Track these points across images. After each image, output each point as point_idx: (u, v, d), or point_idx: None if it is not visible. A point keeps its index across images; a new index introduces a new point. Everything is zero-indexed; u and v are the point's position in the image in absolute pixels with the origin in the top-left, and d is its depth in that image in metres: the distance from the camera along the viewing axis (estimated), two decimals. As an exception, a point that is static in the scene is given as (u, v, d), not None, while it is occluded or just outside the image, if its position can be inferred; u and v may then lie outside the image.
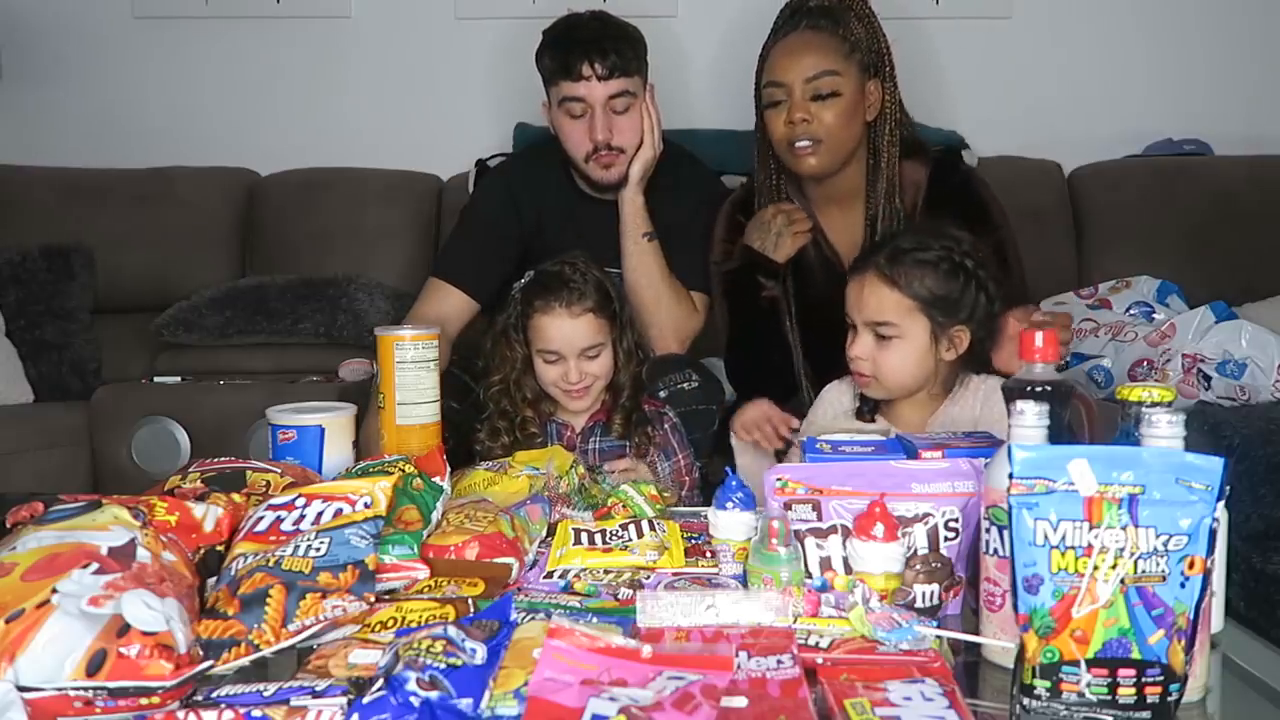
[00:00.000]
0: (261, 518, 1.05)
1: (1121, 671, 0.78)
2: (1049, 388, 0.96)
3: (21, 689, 0.77)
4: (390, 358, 1.41)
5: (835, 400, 1.51)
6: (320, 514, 1.05)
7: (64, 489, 1.37)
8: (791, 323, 1.76)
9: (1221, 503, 0.79)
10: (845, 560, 1.02)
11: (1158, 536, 0.78)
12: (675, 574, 1.11)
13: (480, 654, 0.83)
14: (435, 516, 1.14)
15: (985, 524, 0.94)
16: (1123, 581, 0.78)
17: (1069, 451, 0.80)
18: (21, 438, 2.15)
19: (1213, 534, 0.78)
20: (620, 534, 1.19)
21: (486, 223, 1.95)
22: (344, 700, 0.77)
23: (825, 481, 1.03)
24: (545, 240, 1.90)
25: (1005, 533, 0.85)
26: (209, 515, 1.04)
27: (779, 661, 0.85)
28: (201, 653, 0.84)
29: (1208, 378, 2.01)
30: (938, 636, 0.91)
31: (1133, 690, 0.78)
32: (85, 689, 0.77)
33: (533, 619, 0.95)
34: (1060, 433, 0.93)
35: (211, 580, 1.00)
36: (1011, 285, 1.41)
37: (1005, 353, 1.40)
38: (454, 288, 1.89)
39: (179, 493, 1.14)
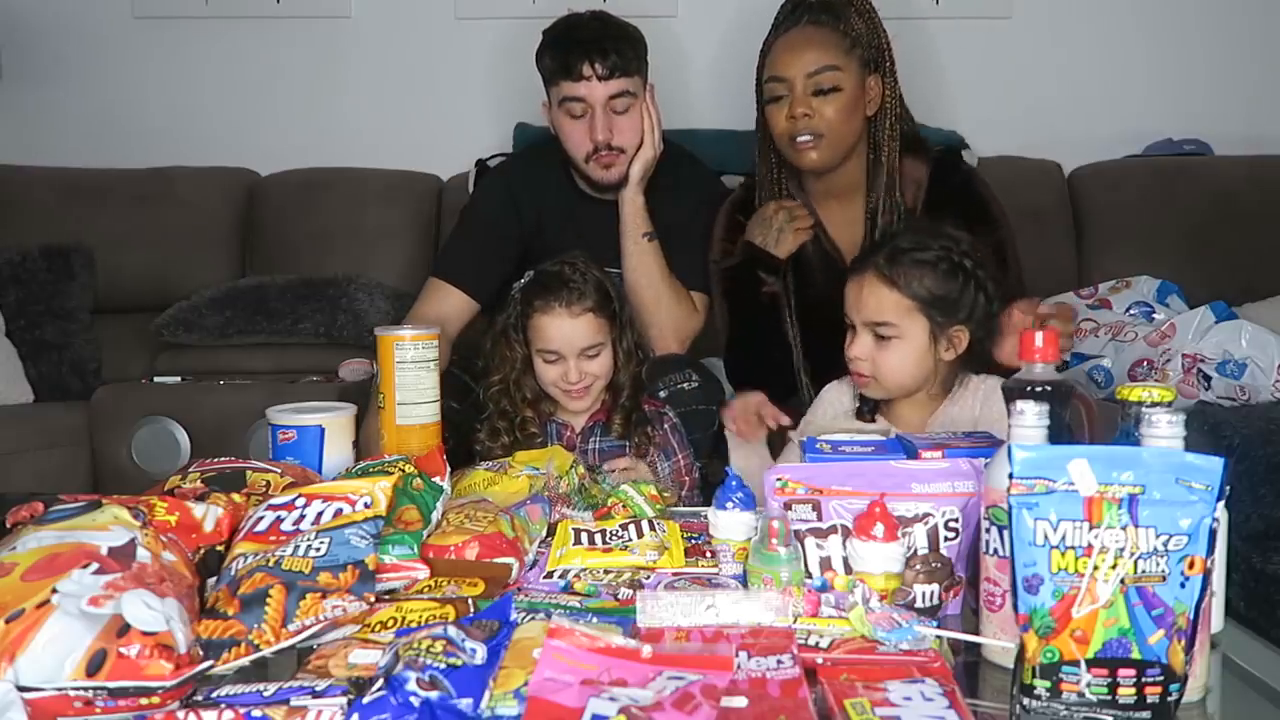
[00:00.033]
0: (261, 518, 1.05)
1: (1121, 671, 0.78)
2: (1049, 388, 0.96)
3: (21, 689, 0.77)
4: (390, 358, 1.41)
5: (835, 400, 1.51)
6: (320, 514, 1.05)
7: (64, 489, 1.37)
8: (791, 319, 1.76)
9: (1221, 503, 0.79)
10: (845, 560, 1.02)
11: (1158, 536, 0.78)
12: (675, 574, 1.11)
13: (480, 654, 0.83)
14: (435, 516, 1.14)
15: (985, 524, 0.94)
16: (1123, 581, 0.78)
17: (1069, 451, 0.80)
18: (21, 438, 2.15)
19: (1213, 534, 0.78)
20: (620, 534, 1.19)
21: (486, 223, 1.95)
22: (344, 700, 0.77)
23: (825, 481, 1.03)
24: (545, 240, 1.90)
25: (1005, 533, 0.85)
26: (209, 515, 1.04)
27: (779, 661, 0.85)
28: (201, 653, 0.84)
29: (1208, 378, 2.01)
30: (938, 636, 0.91)
31: (1133, 690, 0.78)
32: (85, 689, 0.77)
33: (533, 619, 0.95)
34: (1060, 433, 0.93)
35: (211, 580, 1.00)
36: (1010, 285, 1.41)
37: (1008, 346, 1.40)
38: (454, 288, 1.89)
39: (179, 493, 1.14)
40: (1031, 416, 0.90)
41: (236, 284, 2.50)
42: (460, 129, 2.77)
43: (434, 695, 0.75)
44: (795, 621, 0.94)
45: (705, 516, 1.17)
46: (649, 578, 1.11)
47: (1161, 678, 0.78)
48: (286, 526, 1.03)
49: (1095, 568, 0.78)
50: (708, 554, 1.15)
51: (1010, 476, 0.80)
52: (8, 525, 0.99)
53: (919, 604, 0.99)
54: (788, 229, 1.73)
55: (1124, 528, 0.78)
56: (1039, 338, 0.98)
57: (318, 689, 0.79)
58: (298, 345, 2.39)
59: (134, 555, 0.89)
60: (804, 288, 1.76)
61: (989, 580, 0.94)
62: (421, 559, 1.07)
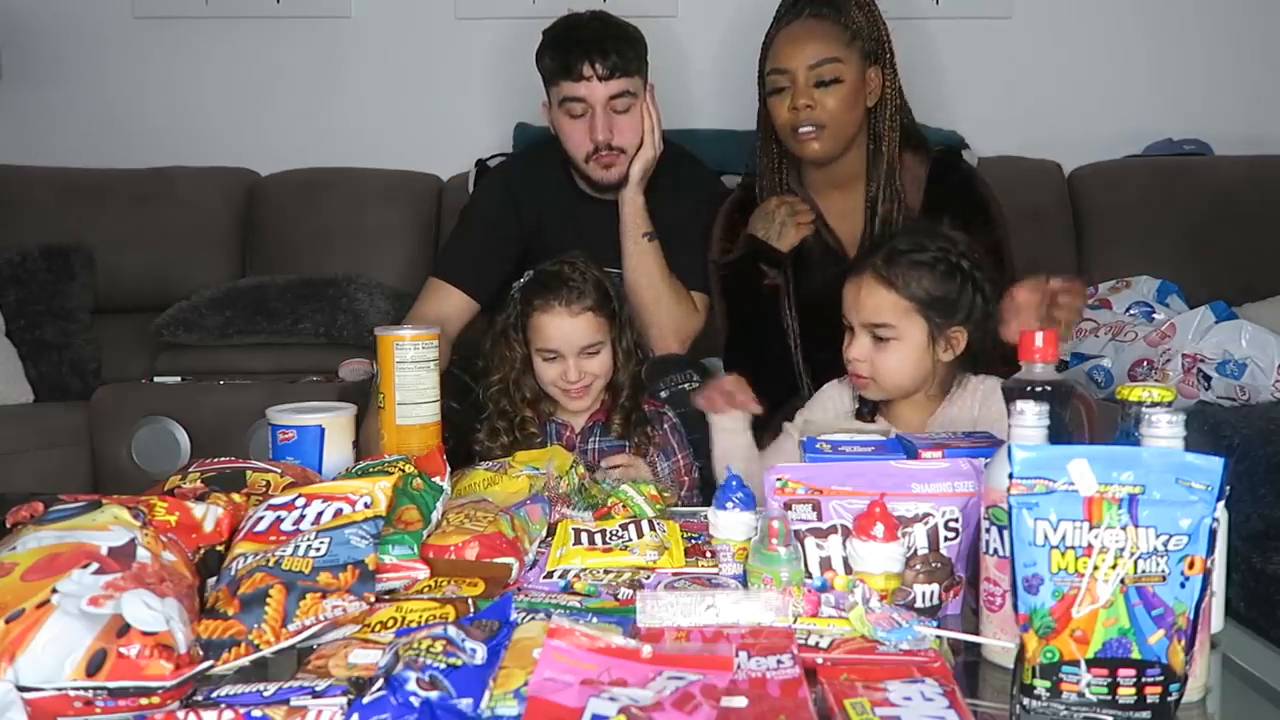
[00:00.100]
0: (261, 518, 1.05)
1: (1121, 671, 0.78)
2: (1049, 388, 0.96)
3: (21, 689, 0.77)
4: (390, 358, 1.41)
5: (834, 400, 1.51)
6: (320, 514, 1.05)
7: (64, 489, 1.37)
8: (791, 312, 1.77)
9: (1221, 503, 0.79)
10: (845, 560, 1.02)
11: (1158, 536, 0.78)
12: (675, 574, 1.11)
13: (480, 654, 0.83)
14: (435, 516, 1.14)
15: (985, 524, 0.94)
16: (1123, 581, 0.78)
17: (1069, 451, 0.80)
18: (21, 438, 2.15)
19: (1213, 534, 0.78)
20: (620, 534, 1.19)
21: (486, 223, 1.95)
22: (344, 700, 0.77)
23: (825, 481, 1.03)
24: (545, 240, 1.90)
25: (1005, 533, 0.85)
26: (209, 515, 1.04)
27: (779, 661, 0.85)
28: (201, 653, 0.84)
29: (1208, 378, 2.01)
30: (938, 636, 0.91)
31: (1133, 690, 0.78)
32: (85, 689, 0.77)
33: (533, 619, 0.95)
34: (1060, 433, 0.93)
35: (211, 580, 1.00)
36: (1006, 286, 1.41)
37: (1014, 326, 1.39)
38: (454, 288, 1.89)
39: (179, 493, 1.14)
40: (1031, 416, 0.90)
41: (236, 284, 2.50)
42: (460, 129, 2.77)
43: (434, 695, 0.75)
44: (795, 621, 0.94)
45: (705, 516, 1.17)
46: (649, 578, 1.10)
47: (1161, 678, 0.78)
48: (286, 526, 1.03)
49: (1095, 568, 0.78)
50: (708, 554, 1.15)
51: (1010, 476, 0.80)
52: (8, 525, 0.99)
53: (919, 604, 0.99)
54: (790, 223, 1.74)
55: (1124, 528, 0.78)
56: (1039, 338, 0.98)
57: (318, 689, 0.79)
58: (298, 345, 2.39)
59: (134, 555, 0.89)
60: (804, 280, 1.77)
61: (989, 580, 0.94)
62: (421, 559, 1.07)
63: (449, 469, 1.24)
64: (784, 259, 1.74)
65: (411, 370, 1.41)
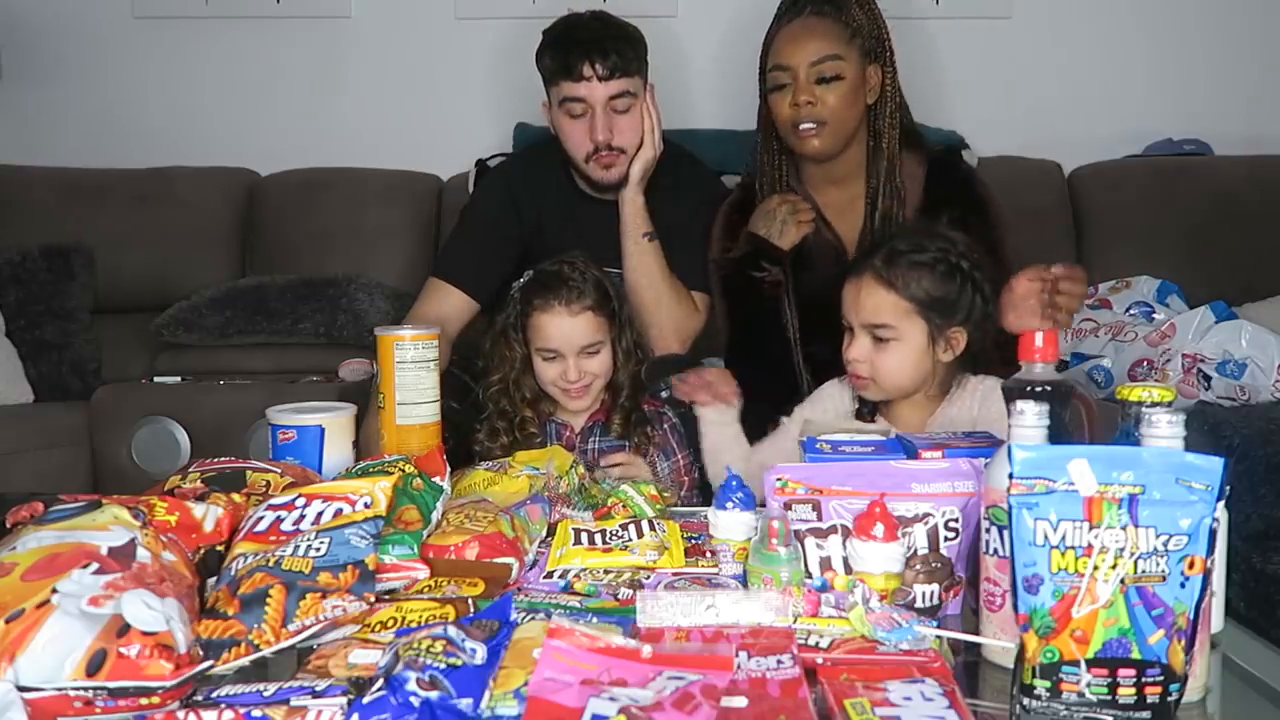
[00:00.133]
0: (261, 518, 1.05)
1: (1121, 671, 0.78)
2: (1049, 388, 0.96)
3: (21, 689, 0.77)
4: (390, 358, 1.41)
5: (834, 400, 1.51)
6: (320, 514, 1.05)
7: (64, 489, 1.37)
8: (791, 309, 1.77)
9: (1221, 503, 0.79)
10: (845, 560, 1.02)
11: (1158, 536, 0.78)
12: (675, 574, 1.11)
13: (480, 654, 0.83)
14: (435, 516, 1.14)
15: (985, 524, 0.94)
16: (1123, 581, 0.78)
17: (1069, 451, 0.80)
18: (21, 438, 2.15)
19: (1213, 534, 0.78)
20: (620, 534, 1.19)
21: (486, 223, 1.94)
22: (344, 700, 0.77)
23: (825, 481, 1.03)
24: (545, 240, 1.89)
25: (1005, 533, 0.85)
26: (209, 515, 1.04)
27: (779, 661, 0.85)
28: (201, 653, 0.84)
29: (1208, 378, 2.01)
30: (938, 636, 0.91)
31: (1133, 690, 0.78)
32: (85, 689, 0.77)
33: (533, 619, 0.95)
34: (1060, 433, 0.93)
35: (211, 580, 1.00)
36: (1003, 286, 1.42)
37: (1014, 314, 1.40)
38: (454, 288, 1.89)
39: (179, 493, 1.14)
40: (1031, 416, 0.90)
41: (236, 284, 2.50)
42: (460, 129, 2.77)
43: (434, 695, 0.75)
44: (795, 621, 0.94)
45: (705, 516, 1.17)
46: (649, 578, 1.10)
47: (1161, 678, 0.78)
48: (286, 526, 1.03)
49: (1095, 568, 0.78)
50: (708, 554, 1.15)
51: (1010, 476, 0.80)
52: (8, 525, 0.99)
53: (919, 604, 0.99)
54: (791, 221, 1.75)
55: (1124, 528, 0.78)
56: (1039, 338, 0.98)
57: (318, 689, 0.79)
58: (298, 345, 2.39)
59: (134, 555, 0.89)
60: (803, 277, 1.77)
61: (989, 580, 0.94)
62: (421, 559, 1.07)
63: (449, 469, 1.24)
64: (785, 257, 1.75)
65: (411, 370, 1.41)
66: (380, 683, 0.76)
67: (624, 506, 1.29)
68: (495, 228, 1.93)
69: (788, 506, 1.03)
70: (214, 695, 0.80)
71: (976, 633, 0.95)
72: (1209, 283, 2.37)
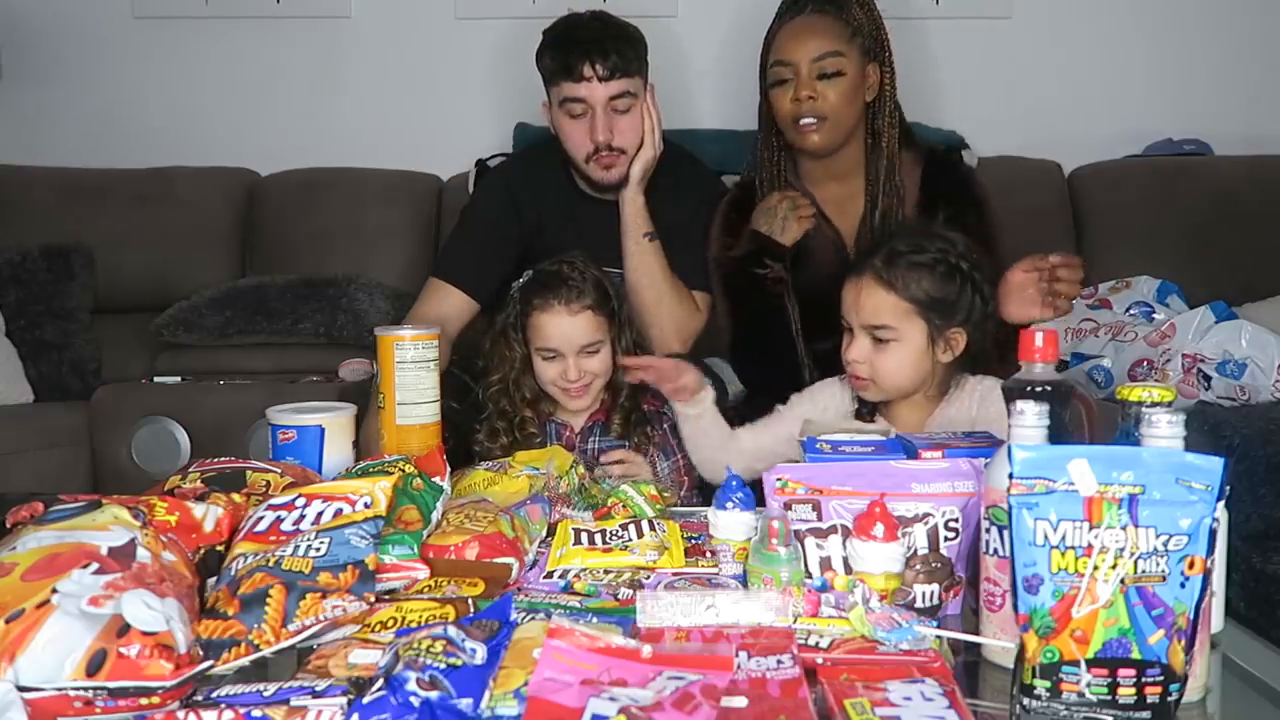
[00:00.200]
0: (261, 518, 1.05)
1: (1121, 671, 0.78)
2: (1049, 388, 0.96)
3: (21, 689, 0.77)
4: (390, 358, 1.41)
5: (834, 400, 1.50)
6: (320, 514, 1.05)
7: (64, 489, 1.37)
8: (792, 306, 1.77)
9: (1221, 503, 0.79)
10: (845, 560, 1.02)
11: (1158, 536, 0.78)
12: (675, 574, 1.11)
13: (480, 654, 0.83)
14: (435, 516, 1.14)
15: (985, 524, 0.94)
16: (1123, 581, 0.78)
17: (1069, 451, 0.80)
18: (21, 438, 2.15)
19: (1213, 534, 0.78)
20: (620, 534, 1.19)
21: (486, 223, 1.94)
22: (344, 700, 0.77)
23: (825, 481, 1.03)
24: (545, 240, 1.89)
25: (1005, 533, 0.85)
26: (209, 515, 1.04)
27: (779, 661, 0.85)
28: (201, 653, 0.84)
29: (1208, 378, 2.01)
30: (938, 636, 0.91)
31: (1133, 690, 0.78)
32: (85, 689, 0.77)
33: (533, 619, 0.95)
34: (1060, 433, 0.93)
35: (211, 580, 1.00)
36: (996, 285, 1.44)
37: (1013, 303, 1.43)
38: (454, 288, 1.89)
39: (179, 493, 1.14)
40: (1031, 416, 0.90)
41: (236, 284, 2.50)
42: (460, 129, 2.77)
43: (434, 695, 0.75)
44: (795, 621, 0.94)
45: (705, 516, 1.17)
46: (649, 578, 1.11)
47: (1161, 678, 0.78)
48: (286, 526, 1.03)
49: (1095, 568, 0.78)
50: (708, 554, 1.15)
51: (1010, 476, 0.80)
52: (8, 525, 0.99)
53: (919, 604, 0.99)
54: (792, 217, 1.75)
55: (1124, 528, 0.78)
56: (1039, 338, 0.98)
57: (318, 689, 0.79)
58: (298, 345, 2.39)
59: (134, 555, 0.89)
60: (804, 272, 1.78)
61: (989, 580, 0.94)
62: (421, 559, 1.07)
63: (449, 469, 1.24)
64: (788, 254, 1.75)
65: (411, 370, 1.41)
66: (380, 683, 0.76)
67: (624, 506, 1.29)
68: (495, 228, 1.93)
69: (788, 506, 1.03)
70: (214, 695, 0.80)
71: (976, 633, 0.95)
72: (1209, 283, 2.37)
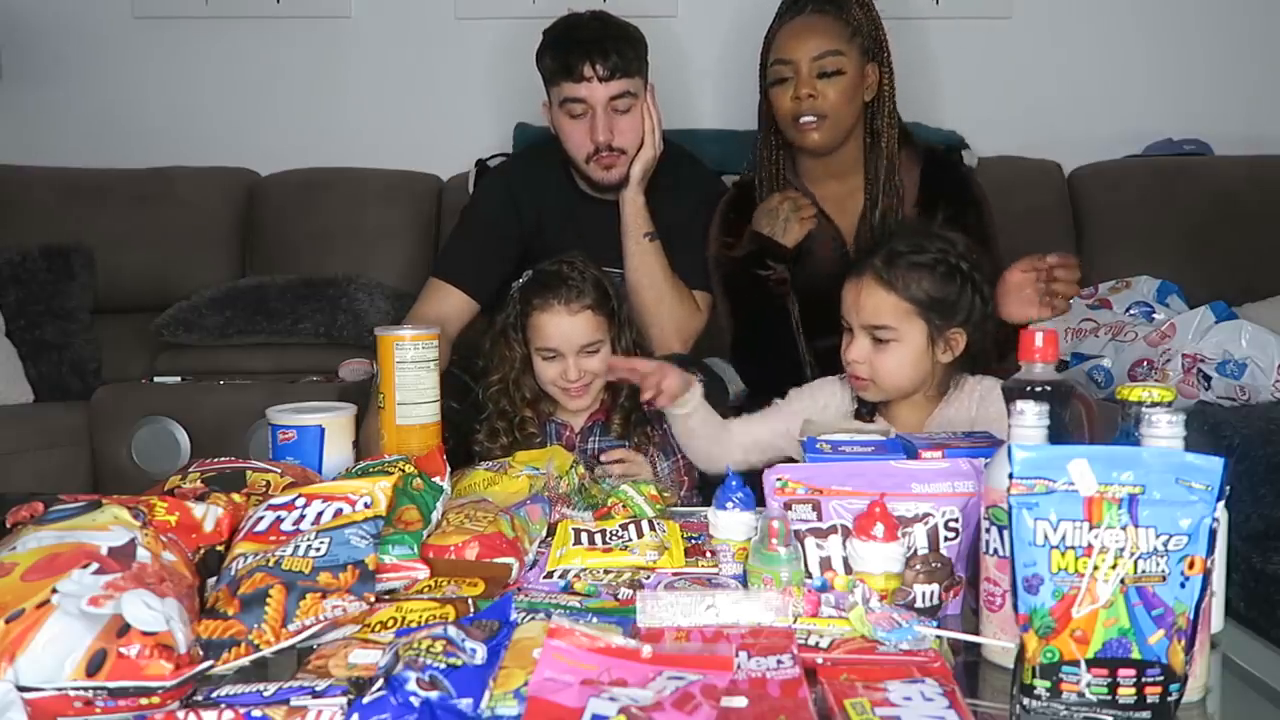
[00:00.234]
0: (261, 518, 1.05)
1: (1121, 671, 0.78)
2: (1049, 388, 0.96)
3: (21, 689, 0.77)
4: (390, 358, 1.41)
5: (833, 400, 1.50)
6: (320, 514, 1.05)
7: (64, 489, 1.37)
8: (793, 305, 1.78)
9: (1221, 503, 0.79)
10: (845, 560, 1.02)
11: (1158, 536, 0.78)
12: (675, 574, 1.11)
13: (480, 654, 0.83)
14: (435, 516, 1.15)
15: (985, 524, 0.94)
16: (1123, 581, 0.78)
17: (1069, 451, 0.80)
18: (21, 438, 2.15)
19: (1213, 534, 0.78)
20: (620, 534, 1.19)
21: (486, 223, 1.94)
22: (344, 700, 0.77)
23: (825, 481, 1.03)
24: (545, 240, 1.89)
25: (1005, 533, 0.85)
26: (209, 515, 1.04)
27: (779, 661, 0.85)
28: (201, 653, 0.84)
29: (1208, 378, 2.01)
30: (938, 636, 0.91)
31: (1133, 690, 0.78)
32: (85, 689, 0.77)
33: (533, 619, 0.95)
34: (1060, 433, 0.93)
35: (211, 580, 1.00)
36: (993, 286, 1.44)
37: (1011, 303, 1.44)
38: (454, 288, 1.89)
39: (179, 493, 1.14)
40: (1031, 416, 0.90)
41: (236, 284, 2.50)
42: (460, 129, 2.77)
43: (434, 695, 0.75)
44: (795, 621, 0.94)
45: (705, 516, 1.17)
46: (649, 578, 1.11)
47: (1161, 678, 0.78)
48: (286, 526, 1.03)
49: (1095, 568, 0.78)
50: (708, 554, 1.15)
51: (1010, 476, 0.80)
52: (8, 525, 0.99)
53: (919, 604, 0.99)
54: (793, 218, 1.76)
55: (1124, 528, 0.78)
56: (1039, 338, 0.98)
57: (318, 689, 0.79)
58: (298, 345, 2.39)
59: (134, 555, 0.89)
60: (805, 270, 1.78)
61: (989, 580, 0.94)
62: (421, 559, 1.07)
63: (449, 469, 1.24)
64: (789, 255, 1.76)
65: (411, 370, 1.41)
66: (380, 683, 0.76)
67: (624, 506, 1.29)
68: (495, 228, 1.93)
69: (788, 506, 1.03)
70: (214, 695, 0.80)
71: (976, 633, 0.95)
72: (1209, 283, 2.37)
